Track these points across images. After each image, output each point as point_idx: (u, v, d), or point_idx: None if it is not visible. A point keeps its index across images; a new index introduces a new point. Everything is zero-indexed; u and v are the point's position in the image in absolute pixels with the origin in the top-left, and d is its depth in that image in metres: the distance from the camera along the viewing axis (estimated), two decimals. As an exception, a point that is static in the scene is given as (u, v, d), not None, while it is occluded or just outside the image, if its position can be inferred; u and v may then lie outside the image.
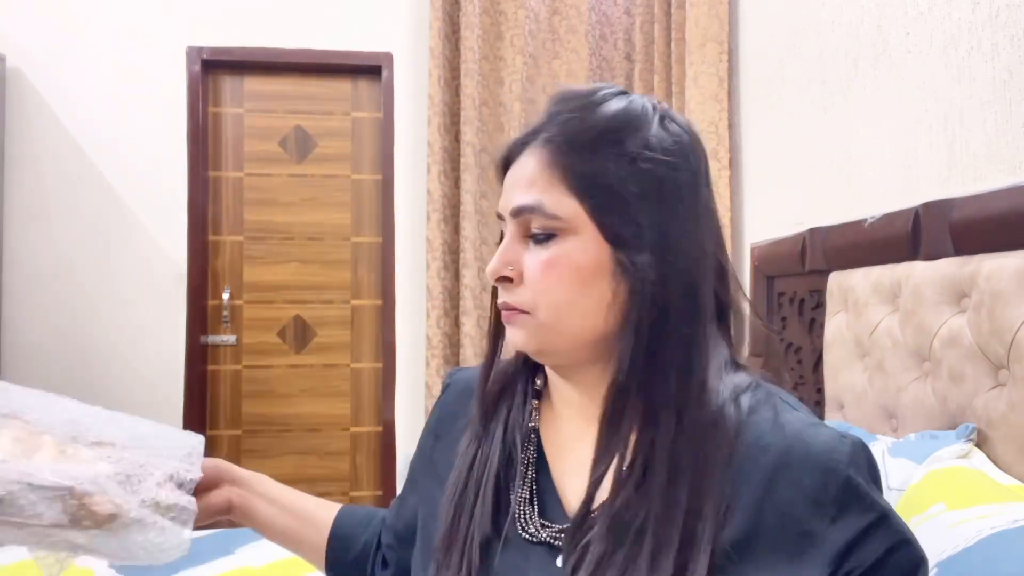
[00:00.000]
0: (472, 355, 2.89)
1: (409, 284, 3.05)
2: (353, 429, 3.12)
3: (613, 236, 0.64)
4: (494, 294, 0.73)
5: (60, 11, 2.89)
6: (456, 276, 2.98)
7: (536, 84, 3.02)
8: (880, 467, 1.23)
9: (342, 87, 3.12)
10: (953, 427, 1.29)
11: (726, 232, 2.62)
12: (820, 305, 1.88)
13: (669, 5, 2.83)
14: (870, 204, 1.76)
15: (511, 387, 0.75)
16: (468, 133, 2.91)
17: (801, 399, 2.09)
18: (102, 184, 2.91)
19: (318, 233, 3.10)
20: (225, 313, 3.01)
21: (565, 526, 0.65)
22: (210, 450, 3.01)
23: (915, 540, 0.60)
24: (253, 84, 3.08)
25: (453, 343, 2.97)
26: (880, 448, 1.28)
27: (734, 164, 2.69)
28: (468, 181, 2.90)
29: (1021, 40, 1.34)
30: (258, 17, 3.00)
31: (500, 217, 0.71)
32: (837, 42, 1.98)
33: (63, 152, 2.89)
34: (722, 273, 0.68)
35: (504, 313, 0.69)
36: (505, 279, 0.68)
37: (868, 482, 0.60)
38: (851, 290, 1.66)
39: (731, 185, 2.66)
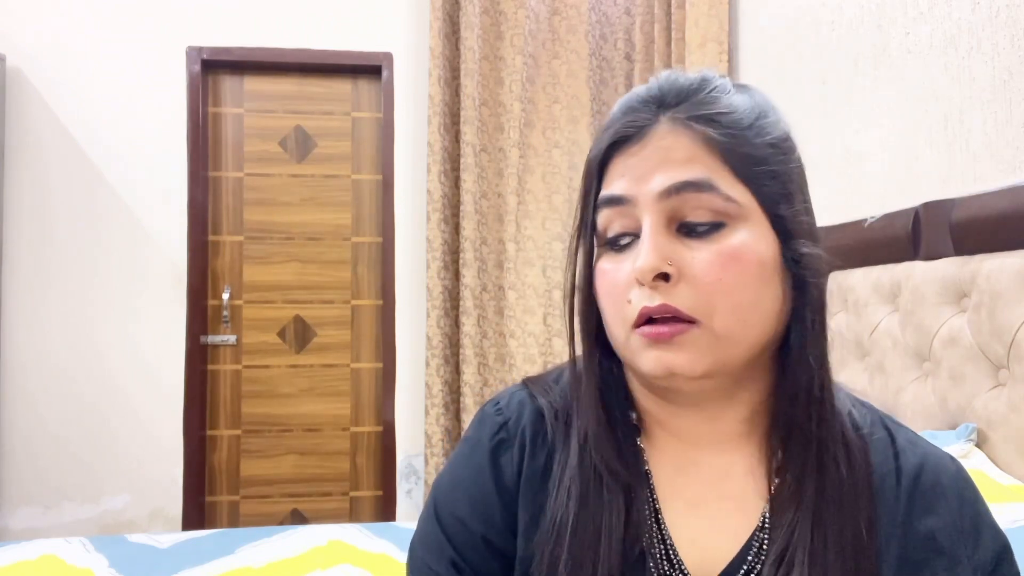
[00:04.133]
0: (472, 355, 2.89)
1: (409, 284, 3.05)
2: (353, 429, 3.12)
3: (785, 227, 0.57)
4: (586, 311, 0.61)
5: (60, 11, 2.89)
6: (456, 276, 2.98)
7: (536, 84, 3.02)
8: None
9: (342, 87, 3.12)
10: (953, 427, 1.29)
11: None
12: (820, 305, 1.88)
13: (669, 5, 2.83)
14: (870, 204, 1.76)
15: (614, 418, 0.62)
16: (468, 133, 2.91)
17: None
18: (102, 184, 2.91)
19: (318, 233, 3.10)
20: (225, 313, 3.00)
21: None
22: (210, 450, 3.02)
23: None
24: (253, 84, 3.08)
25: (453, 343, 2.97)
26: (880, 448, 1.28)
27: (734, 164, 2.69)
28: (468, 181, 2.90)
29: (1021, 40, 1.34)
30: (258, 17, 3.00)
31: (618, 202, 0.58)
32: (837, 42, 1.97)
33: (63, 152, 2.89)
34: None
35: (658, 330, 0.55)
36: (660, 277, 0.55)
37: (985, 505, 0.60)
38: (851, 290, 1.66)
39: (731, 185, 2.66)
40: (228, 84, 3.07)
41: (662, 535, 0.59)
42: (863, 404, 0.63)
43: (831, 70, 2.00)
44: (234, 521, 3.03)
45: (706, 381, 0.57)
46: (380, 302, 3.12)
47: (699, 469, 0.61)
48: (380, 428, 3.11)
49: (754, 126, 0.58)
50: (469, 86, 2.90)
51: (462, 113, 2.92)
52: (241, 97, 3.07)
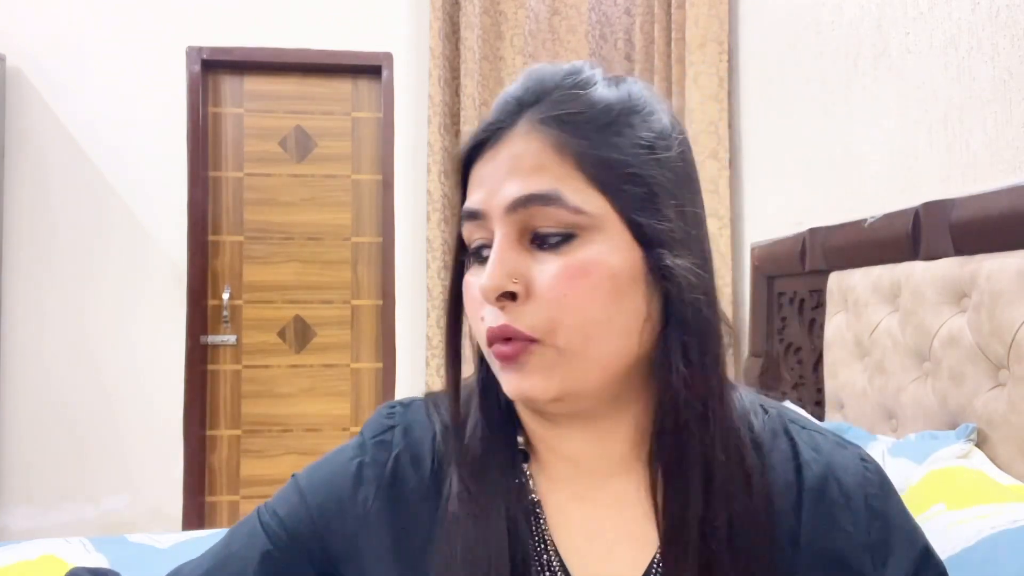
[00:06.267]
0: (472, 355, 2.88)
1: (409, 284, 3.05)
2: (353, 429, 3.11)
3: (646, 235, 0.52)
4: (452, 325, 0.58)
5: (60, 11, 2.89)
6: (456, 276, 2.97)
7: (536, 84, 3.02)
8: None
9: (342, 87, 3.12)
10: (953, 427, 1.29)
11: (727, 232, 2.62)
12: (820, 305, 1.88)
13: (669, 5, 2.83)
14: (870, 204, 1.76)
15: (494, 444, 0.58)
16: (468, 133, 2.90)
17: (801, 399, 2.09)
18: (102, 184, 2.91)
19: (318, 233, 3.10)
20: (225, 313, 3.00)
21: None
22: (210, 450, 3.02)
23: (947, 572, 0.58)
24: (253, 84, 3.08)
25: (453, 343, 2.97)
26: (880, 448, 1.28)
27: (734, 164, 2.69)
28: (468, 181, 2.90)
29: (1021, 40, 1.34)
30: (258, 17, 3.00)
31: (473, 216, 0.54)
32: (837, 42, 1.97)
33: (63, 152, 2.89)
34: None
35: (502, 349, 0.52)
36: (507, 296, 0.52)
37: (900, 507, 0.57)
38: (851, 290, 1.66)
39: (731, 185, 2.66)
40: (228, 84, 3.07)
41: (555, 569, 0.55)
42: (767, 410, 0.59)
43: (831, 70, 2.00)
44: (234, 521, 3.03)
45: (573, 401, 0.53)
46: (380, 302, 3.12)
47: (595, 496, 0.57)
48: (380, 428, 3.11)
49: (615, 124, 0.53)
50: (469, 86, 2.90)
51: (462, 113, 2.92)
52: (241, 97, 3.07)
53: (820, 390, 1.87)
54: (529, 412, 0.59)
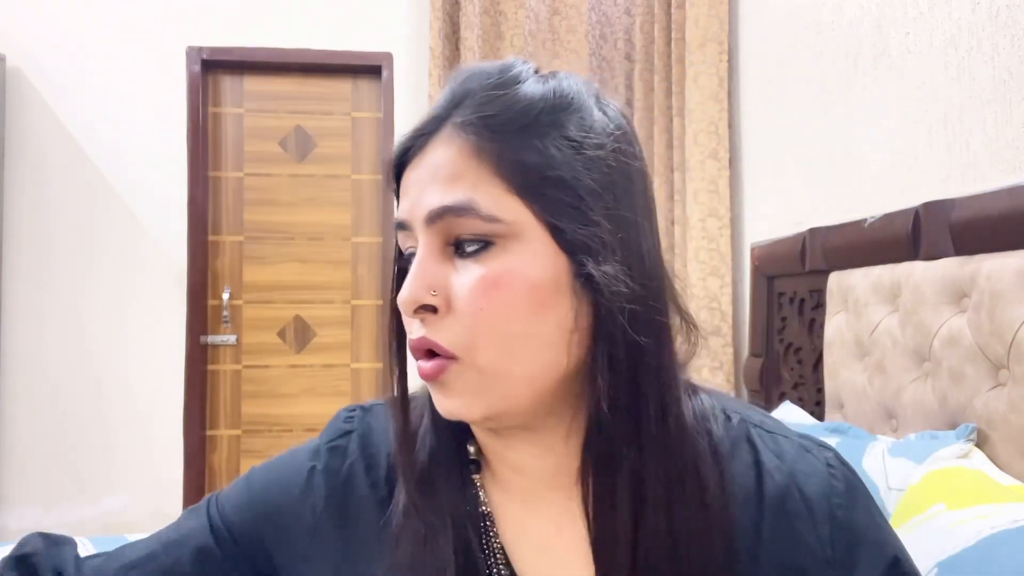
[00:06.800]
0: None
1: (409, 284, 3.04)
2: (353, 429, 3.11)
3: (570, 242, 0.49)
4: (397, 334, 0.56)
5: (60, 11, 2.89)
6: (456, 276, 2.97)
7: (536, 84, 3.02)
8: (880, 467, 1.23)
9: (342, 87, 3.12)
10: (953, 427, 1.29)
11: (727, 232, 2.62)
12: (820, 305, 1.88)
13: (669, 5, 2.83)
14: (870, 204, 1.76)
15: (441, 455, 0.56)
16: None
17: (801, 399, 2.09)
18: (102, 184, 2.91)
19: (318, 233, 3.10)
20: (225, 313, 3.00)
21: None
22: (210, 450, 3.02)
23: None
24: (253, 84, 3.08)
25: (453, 343, 2.97)
26: (880, 448, 1.28)
27: (734, 164, 2.69)
28: (468, 181, 2.90)
29: (1021, 40, 1.34)
30: (258, 17, 3.00)
31: (401, 227, 0.53)
32: (837, 42, 1.97)
33: (63, 152, 2.89)
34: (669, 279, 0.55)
35: (424, 367, 0.50)
36: (426, 309, 0.50)
37: (869, 514, 0.54)
38: (851, 290, 1.66)
39: (731, 185, 2.66)
40: (228, 84, 3.07)
41: None
42: (730, 415, 0.56)
43: (831, 70, 2.00)
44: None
45: (504, 418, 0.51)
46: (380, 302, 3.12)
47: (548, 507, 0.55)
48: (380, 428, 3.11)
49: (537, 124, 0.51)
50: (469, 86, 2.89)
51: (462, 113, 2.92)
52: (241, 97, 3.07)
53: (820, 390, 1.87)
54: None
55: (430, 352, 0.50)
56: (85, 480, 2.88)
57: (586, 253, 0.49)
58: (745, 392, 2.38)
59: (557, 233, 0.49)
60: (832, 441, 1.37)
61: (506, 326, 0.48)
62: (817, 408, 1.88)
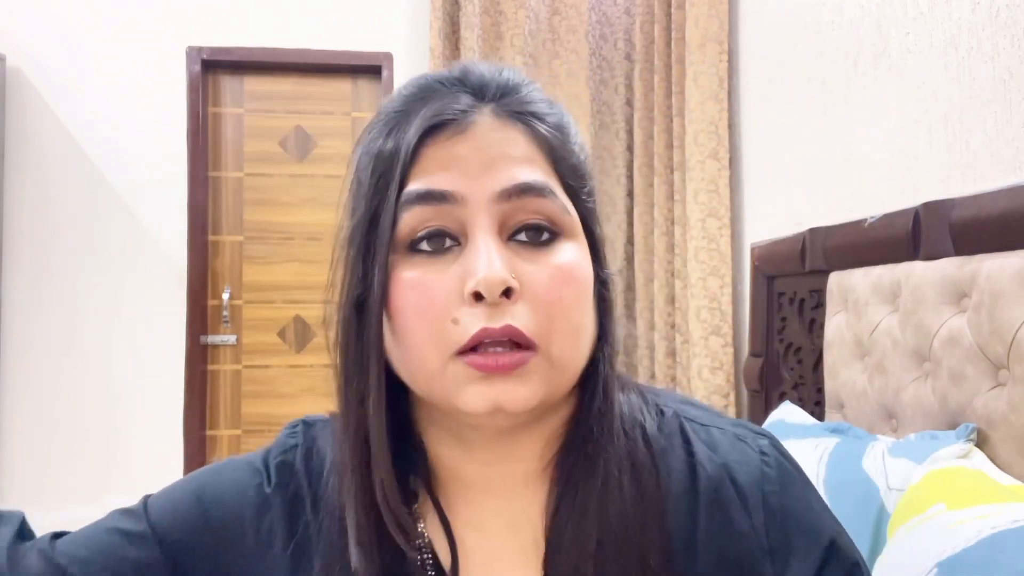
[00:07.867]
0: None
1: (409, 284, 3.04)
2: (353, 429, 3.12)
3: (595, 247, 0.52)
4: (378, 338, 0.51)
5: (60, 11, 2.89)
6: (456, 276, 2.97)
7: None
8: (880, 467, 1.23)
9: (342, 87, 3.12)
10: (953, 427, 1.29)
11: (727, 232, 2.62)
12: (820, 305, 1.88)
13: (669, 5, 2.83)
14: (870, 204, 1.76)
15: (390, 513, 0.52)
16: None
17: (801, 399, 2.09)
18: (102, 184, 2.91)
19: (318, 233, 3.10)
20: (225, 313, 3.00)
21: None
22: (210, 450, 3.01)
23: (861, 558, 0.54)
24: (253, 84, 3.08)
25: (453, 343, 2.97)
26: (880, 448, 1.28)
27: (734, 164, 2.69)
28: (468, 181, 2.90)
29: (1021, 40, 1.34)
30: (258, 17, 3.00)
31: (437, 198, 0.47)
32: (837, 42, 1.98)
33: (63, 152, 2.89)
34: None
35: (498, 360, 0.46)
36: (504, 294, 0.46)
37: (803, 500, 0.54)
38: (851, 290, 1.66)
39: (731, 185, 2.66)
40: (228, 84, 3.07)
41: None
42: (663, 410, 0.56)
43: (831, 70, 2.00)
44: None
45: (530, 415, 0.49)
46: (380, 302, 3.11)
47: (493, 521, 0.53)
48: (380, 428, 3.11)
49: (569, 130, 0.52)
50: (469, 86, 2.89)
51: (462, 113, 2.92)
52: (241, 97, 3.07)
53: (820, 390, 1.87)
54: (440, 435, 0.54)
55: (495, 344, 0.46)
56: (85, 480, 2.88)
57: (602, 258, 0.53)
58: (745, 392, 2.38)
59: (591, 237, 0.52)
60: (832, 441, 1.38)
61: (576, 317, 0.48)
62: (817, 408, 1.88)
